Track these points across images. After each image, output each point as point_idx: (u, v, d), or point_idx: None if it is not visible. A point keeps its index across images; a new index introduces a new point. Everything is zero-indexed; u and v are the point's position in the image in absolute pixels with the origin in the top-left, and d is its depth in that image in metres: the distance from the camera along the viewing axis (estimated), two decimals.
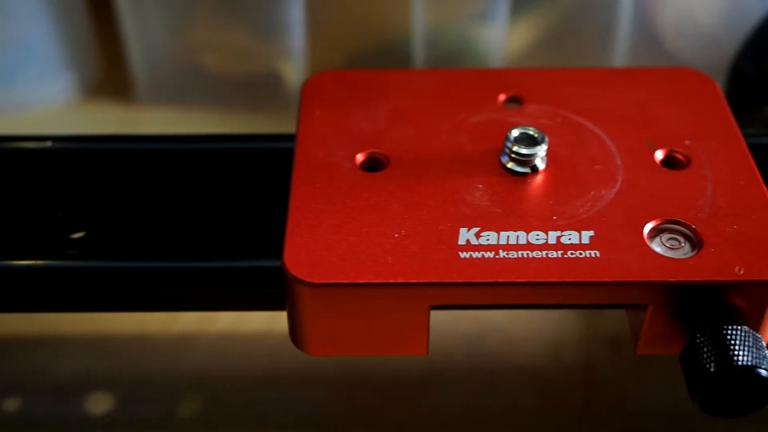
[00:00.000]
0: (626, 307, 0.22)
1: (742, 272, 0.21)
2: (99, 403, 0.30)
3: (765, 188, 0.23)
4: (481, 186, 0.23)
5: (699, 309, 0.21)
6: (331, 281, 0.21)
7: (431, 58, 0.41)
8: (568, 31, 0.41)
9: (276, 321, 0.29)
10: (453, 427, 0.30)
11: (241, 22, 0.40)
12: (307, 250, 0.21)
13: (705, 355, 0.21)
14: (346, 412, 0.30)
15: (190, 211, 0.26)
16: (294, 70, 0.41)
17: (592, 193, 0.23)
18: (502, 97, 0.26)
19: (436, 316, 0.29)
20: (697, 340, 0.21)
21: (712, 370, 0.20)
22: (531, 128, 0.24)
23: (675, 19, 0.41)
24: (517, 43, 0.42)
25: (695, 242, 0.22)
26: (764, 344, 0.21)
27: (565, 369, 0.31)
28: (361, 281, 0.21)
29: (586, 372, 0.31)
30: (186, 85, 0.42)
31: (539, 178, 0.24)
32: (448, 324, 0.32)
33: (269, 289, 0.23)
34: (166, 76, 0.41)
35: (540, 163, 0.24)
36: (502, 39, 0.40)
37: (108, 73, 0.44)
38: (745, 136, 0.26)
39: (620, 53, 0.41)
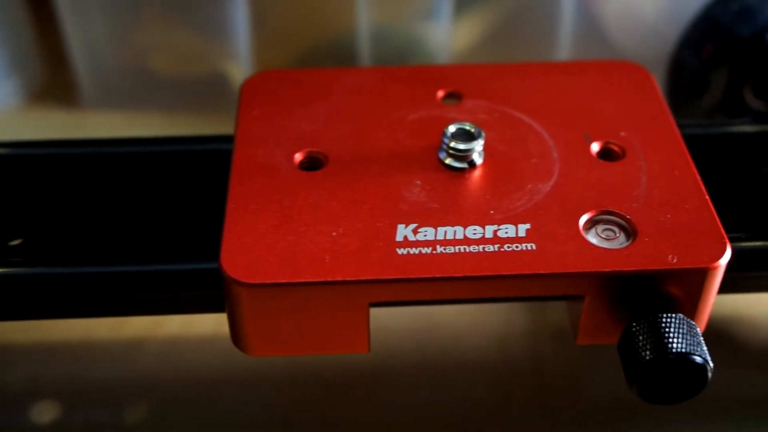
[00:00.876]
0: (564, 299, 0.22)
1: (675, 261, 0.21)
2: (46, 412, 0.29)
3: (698, 178, 0.24)
4: (419, 182, 0.23)
5: (635, 298, 0.22)
6: (268, 281, 0.21)
7: (378, 56, 0.41)
8: (513, 27, 0.42)
9: (225, 323, 0.29)
10: (404, 423, 0.30)
11: (186, 23, 0.40)
12: (244, 251, 0.21)
13: (641, 344, 0.21)
14: (298, 412, 0.30)
15: (132, 215, 0.26)
16: (240, 70, 0.40)
17: (529, 186, 0.23)
18: (440, 93, 0.27)
19: (384, 312, 0.29)
20: (633, 329, 0.21)
21: (647, 357, 0.21)
22: (467, 124, 0.24)
23: (618, 13, 0.41)
24: (464, 40, 0.42)
25: (630, 232, 0.22)
26: (699, 331, 0.22)
27: (513, 361, 0.31)
28: (298, 280, 0.21)
29: (534, 364, 0.31)
30: (131, 88, 0.41)
31: (477, 173, 0.24)
32: (397, 321, 0.33)
33: (210, 291, 0.23)
34: (111, 79, 0.41)
35: (477, 158, 0.24)
36: (447, 36, 0.40)
37: (52, 78, 0.44)
38: (680, 126, 0.27)
39: (564, 48, 0.41)
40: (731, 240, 0.24)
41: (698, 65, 0.35)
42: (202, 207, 0.25)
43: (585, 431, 0.29)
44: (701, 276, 0.21)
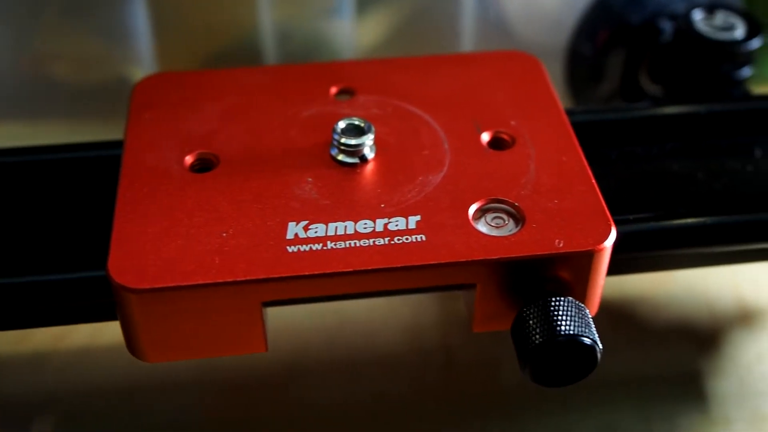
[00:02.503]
0: (457, 289, 0.23)
1: (561, 245, 0.22)
2: None
3: (586, 163, 0.24)
4: (311, 179, 0.23)
5: (526, 283, 0.22)
6: (156, 286, 0.20)
7: (283, 55, 0.41)
8: (417, 23, 0.42)
9: None
10: (319, 421, 0.30)
11: (86, 28, 0.39)
12: (133, 256, 0.21)
13: (531, 328, 0.21)
14: (211, 417, 0.30)
15: (29, 225, 0.25)
16: (144, 75, 0.40)
17: (420, 178, 0.24)
18: (333, 89, 0.27)
19: (294, 311, 0.29)
20: (524, 314, 0.22)
21: (537, 341, 0.21)
22: (357, 118, 0.24)
23: (519, 4, 0.42)
24: (369, 37, 0.42)
25: (518, 219, 0.22)
26: (588, 313, 0.22)
27: (425, 353, 0.31)
28: (187, 283, 0.20)
29: (446, 354, 0.31)
30: (32, 97, 0.40)
31: (369, 168, 0.24)
32: (307, 319, 0.33)
33: (103, 299, 0.22)
34: (10, 88, 0.40)
35: (369, 153, 0.24)
36: (352, 33, 0.41)
37: None
38: (571, 113, 0.27)
39: (469, 41, 0.41)
40: (620, 222, 0.24)
41: (593, 53, 0.36)
42: (93, 214, 0.25)
43: (496, 417, 0.29)
44: (587, 258, 0.22)
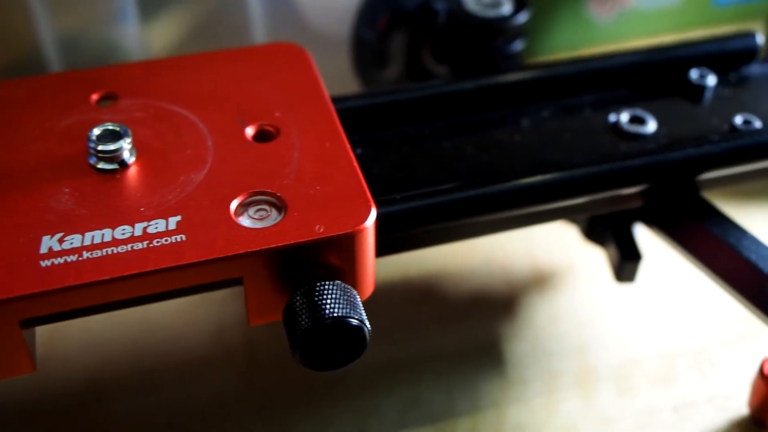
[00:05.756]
0: (227, 285, 0.23)
1: (322, 230, 0.22)
2: None
3: (349, 148, 0.25)
4: (68, 190, 0.23)
5: (295, 272, 0.22)
6: None
7: (72, 64, 0.39)
8: (210, 21, 0.41)
9: None
10: None
11: None
12: None
13: (299, 313, 0.22)
14: None
15: None
16: None
17: (181, 178, 0.23)
18: (95, 96, 0.26)
19: (95, 324, 0.29)
20: (293, 300, 0.22)
21: (305, 325, 0.21)
22: (112, 124, 0.24)
23: None
24: (162, 40, 0.42)
25: (281, 209, 0.23)
26: (356, 295, 0.22)
27: (228, 351, 0.31)
28: None
29: (250, 350, 0.31)
30: None
31: (130, 172, 0.23)
32: (109, 331, 0.32)
33: None
34: None
35: (128, 157, 0.24)
36: (140, 38, 0.40)
37: None
38: (340, 101, 0.28)
39: (262, 35, 0.41)
40: (387, 202, 0.25)
41: (376, 39, 0.36)
42: None
43: (303, 407, 0.30)
44: (350, 240, 0.22)
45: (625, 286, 0.33)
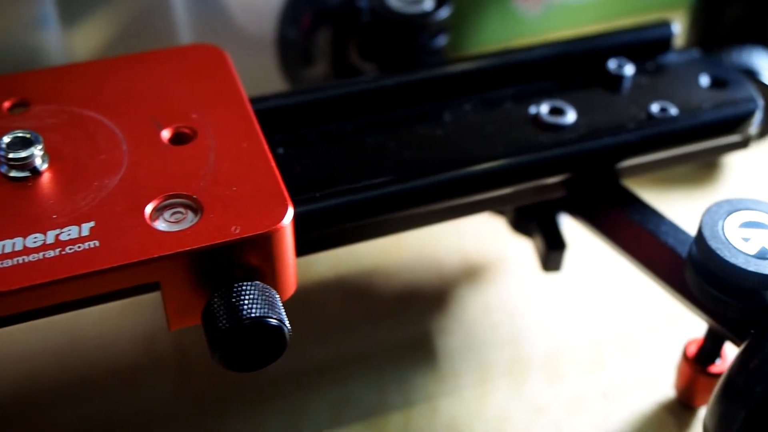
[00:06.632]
0: (146, 291, 0.22)
1: (238, 231, 0.22)
2: None
3: (266, 148, 0.24)
4: None
5: (214, 274, 0.22)
6: None
7: None
8: (136, 24, 0.41)
9: None
10: None
11: None
12: None
13: (217, 315, 0.21)
14: None
15: None
16: None
17: (95, 184, 0.23)
18: (6, 104, 0.26)
19: (23, 335, 0.28)
20: (211, 302, 0.22)
21: (223, 327, 0.21)
22: (22, 131, 0.23)
23: None
24: (87, 45, 0.41)
25: (197, 211, 0.22)
26: (275, 295, 0.22)
27: (158, 357, 0.31)
28: None
29: (181, 355, 0.31)
30: None
31: (42, 180, 0.23)
32: (38, 342, 0.31)
33: None
34: None
35: (40, 164, 0.23)
36: (62, 43, 0.39)
37: None
38: (261, 101, 0.28)
39: (188, 36, 0.41)
40: (307, 201, 0.25)
41: (300, 37, 0.36)
42: None
43: (233, 410, 0.29)
44: (267, 240, 0.22)
45: (554, 276, 0.33)
